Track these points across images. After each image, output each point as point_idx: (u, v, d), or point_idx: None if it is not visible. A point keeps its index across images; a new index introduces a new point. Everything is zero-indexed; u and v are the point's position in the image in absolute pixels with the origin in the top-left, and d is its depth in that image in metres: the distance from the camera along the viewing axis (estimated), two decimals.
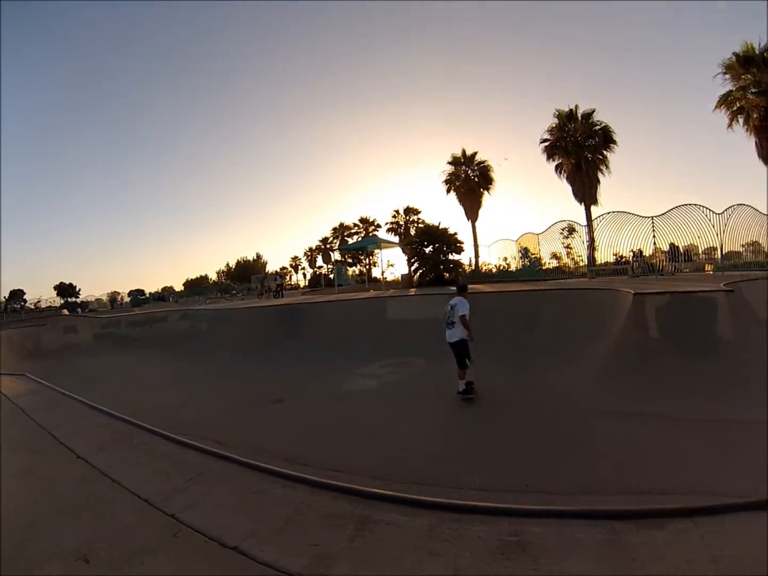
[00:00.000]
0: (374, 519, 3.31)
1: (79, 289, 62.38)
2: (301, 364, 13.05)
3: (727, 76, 23.44)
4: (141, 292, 57.84)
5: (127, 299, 54.07)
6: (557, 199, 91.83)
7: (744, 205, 18.72)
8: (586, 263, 21.50)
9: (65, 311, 39.98)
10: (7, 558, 3.31)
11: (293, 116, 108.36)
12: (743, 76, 22.95)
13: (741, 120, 23.49)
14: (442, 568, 2.67)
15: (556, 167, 29.23)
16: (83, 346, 22.64)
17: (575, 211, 32.28)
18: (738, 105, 23.35)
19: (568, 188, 28.82)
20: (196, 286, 66.51)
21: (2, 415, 7.68)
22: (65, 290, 60.39)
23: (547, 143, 29.29)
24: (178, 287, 70.99)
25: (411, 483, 5.04)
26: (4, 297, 55.09)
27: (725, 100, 23.68)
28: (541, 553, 2.73)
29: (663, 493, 4.27)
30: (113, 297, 54.08)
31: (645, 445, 5.96)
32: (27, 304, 50.61)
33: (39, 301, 51.03)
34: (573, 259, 23.32)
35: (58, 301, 53.37)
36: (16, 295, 55.98)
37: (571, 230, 22.77)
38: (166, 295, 55.72)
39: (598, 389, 8.39)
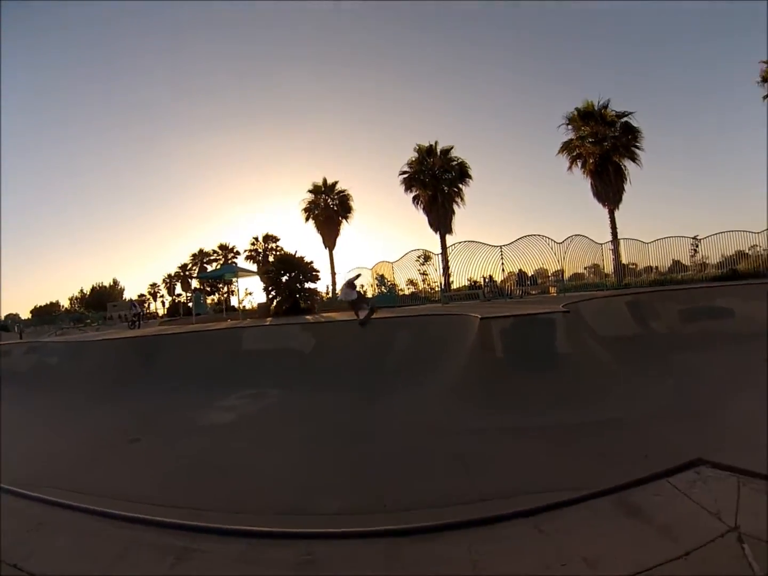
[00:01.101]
0: (193, 548, 3.41)
1: None
2: (159, 399, 12.30)
3: (569, 126, 26.86)
4: None
5: None
6: (415, 228, 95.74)
7: (580, 235, 21.22)
8: (441, 289, 22.28)
9: None
10: None
11: (154, 138, 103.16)
12: (582, 128, 26.28)
13: (579, 164, 26.83)
14: None
15: (414, 198, 30.39)
16: None
17: (431, 240, 33.70)
18: (577, 151, 26.66)
19: (425, 218, 29.99)
20: (46, 314, 61.13)
21: None
22: None
23: (406, 175, 30.37)
24: (25, 315, 64.84)
25: (254, 513, 5.43)
26: None
27: (567, 147, 27.04)
28: (327, 568, 3.01)
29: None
30: None
31: (484, 457, 6.50)
32: None
33: None
34: (428, 284, 24.30)
35: None
36: None
37: (426, 258, 23.71)
38: (10, 323, 49.50)
39: (447, 410, 8.63)
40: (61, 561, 3.51)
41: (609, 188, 25.45)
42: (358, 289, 12.73)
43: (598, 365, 9.40)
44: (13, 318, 56.48)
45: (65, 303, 72.14)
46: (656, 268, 22.95)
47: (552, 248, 19.61)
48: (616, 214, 25.71)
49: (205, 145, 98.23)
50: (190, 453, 8.07)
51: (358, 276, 11.90)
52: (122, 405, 12.22)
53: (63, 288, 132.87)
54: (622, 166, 25.61)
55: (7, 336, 33.55)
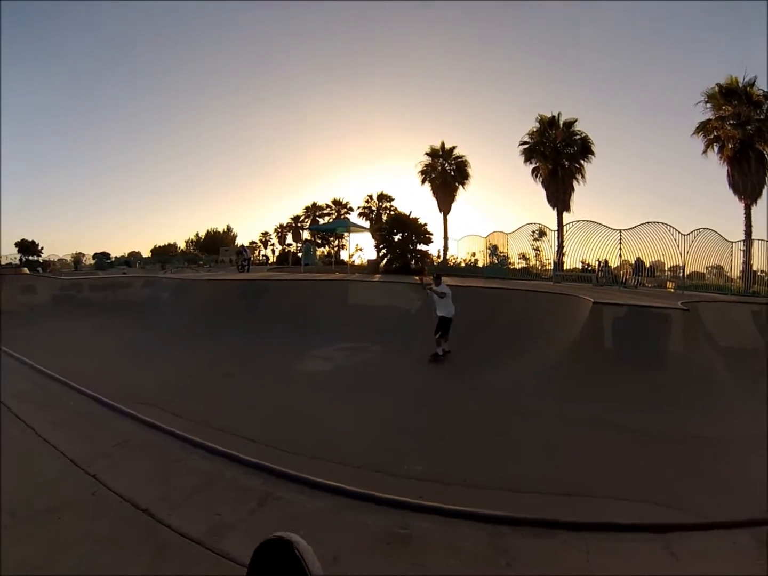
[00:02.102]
0: (276, 496, 3.40)
1: (42, 248, 60.11)
2: (258, 341, 12.94)
3: (708, 104, 24.04)
4: (106, 255, 55.24)
5: (91, 261, 52.15)
6: (531, 202, 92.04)
7: (709, 229, 19.17)
8: (553, 267, 21.70)
9: (25, 270, 38.63)
10: None
11: (276, 91, 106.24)
12: (723, 107, 23.50)
13: (716, 148, 24.17)
14: (327, 550, 2.71)
15: (533, 170, 29.35)
16: (41, 307, 21.96)
17: (547, 216, 32.54)
18: (715, 134, 23.96)
19: (543, 192, 28.99)
20: (164, 253, 64.73)
21: None
22: (27, 248, 58.15)
23: (526, 146, 29.37)
24: (146, 253, 68.77)
25: (341, 465, 5.32)
26: None
27: (703, 128, 24.32)
28: (424, 548, 2.80)
29: (585, 495, 4.66)
30: (77, 258, 51.79)
31: (575, 450, 6.14)
32: None
33: None
34: (541, 261, 23.64)
35: (19, 259, 51.23)
36: None
37: (542, 233, 22.96)
38: (132, 260, 54.07)
39: (543, 392, 8.51)
40: (139, 482, 3.67)
41: (748, 179, 22.68)
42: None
43: (711, 373, 8.89)
44: (135, 256, 60.79)
45: (181, 245, 75.56)
46: None
47: (675, 239, 18.36)
48: (753, 210, 22.99)
49: (326, 101, 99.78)
50: (281, 396, 8.40)
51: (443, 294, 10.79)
52: (224, 342, 13.01)
53: (180, 231, 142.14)
54: (767, 156, 22.75)
55: (129, 271, 36.46)
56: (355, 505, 3.30)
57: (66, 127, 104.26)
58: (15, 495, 3.50)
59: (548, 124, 28.74)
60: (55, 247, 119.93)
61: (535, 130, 29.19)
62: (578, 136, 28.28)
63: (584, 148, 28.24)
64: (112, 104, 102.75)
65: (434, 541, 2.84)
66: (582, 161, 28.40)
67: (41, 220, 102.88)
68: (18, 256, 52.52)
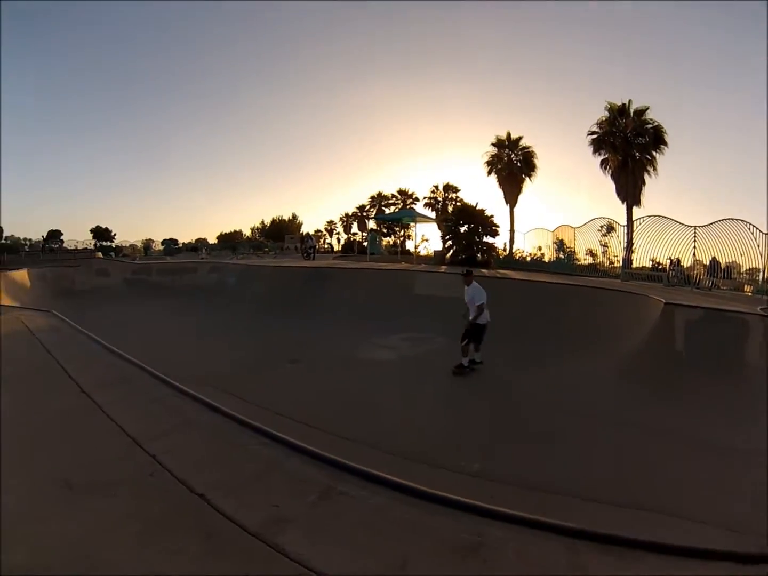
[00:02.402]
0: (338, 490, 3.26)
1: (114, 234, 63.30)
2: (323, 328, 13.32)
3: None
4: (174, 241, 58.10)
5: (160, 247, 54.41)
6: (600, 195, 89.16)
7: None
8: (621, 264, 20.86)
9: (99, 254, 40.70)
10: None
11: (341, 79, 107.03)
12: None
13: None
14: (391, 553, 2.58)
15: (602, 162, 28.31)
16: (113, 289, 23.17)
17: (616, 210, 31.43)
18: None
19: (612, 185, 27.89)
20: (230, 240, 66.76)
21: (19, 344, 7.84)
22: (101, 234, 61.25)
23: (594, 136, 28.32)
24: (212, 240, 71.36)
25: (400, 457, 5.54)
26: (42, 237, 55.89)
27: None
28: (497, 559, 2.55)
29: (658, 512, 4.41)
30: (147, 244, 54.38)
31: (644, 459, 5.88)
32: (64, 245, 51.23)
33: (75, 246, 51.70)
34: (608, 258, 22.78)
35: (93, 244, 53.87)
36: (54, 235, 56.68)
37: (610, 228, 22.21)
38: (199, 246, 55.84)
39: (611, 393, 8.31)
40: (197, 465, 3.63)
41: None
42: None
43: None
44: (202, 242, 62.80)
45: (247, 232, 77.73)
46: None
47: (756, 238, 17.21)
48: None
49: (393, 89, 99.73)
50: (344, 384, 8.58)
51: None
52: (289, 328, 13.39)
53: (246, 219, 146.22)
54: None
55: (196, 256, 37.88)
56: (421, 505, 3.11)
57: (133, 117, 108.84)
58: (74, 467, 3.61)
59: (618, 112, 27.56)
60: (127, 234, 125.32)
61: (604, 119, 28.05)
62: (650, 125, 26.87)
63: (656, 138, 26.78)
64: (178, 90, 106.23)
65: (508, 553, 2.60)
66: (654, 152, 27.01)
67: (114, 208, 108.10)
68: (93, 241, 55.05)
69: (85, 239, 54.03)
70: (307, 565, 2.45)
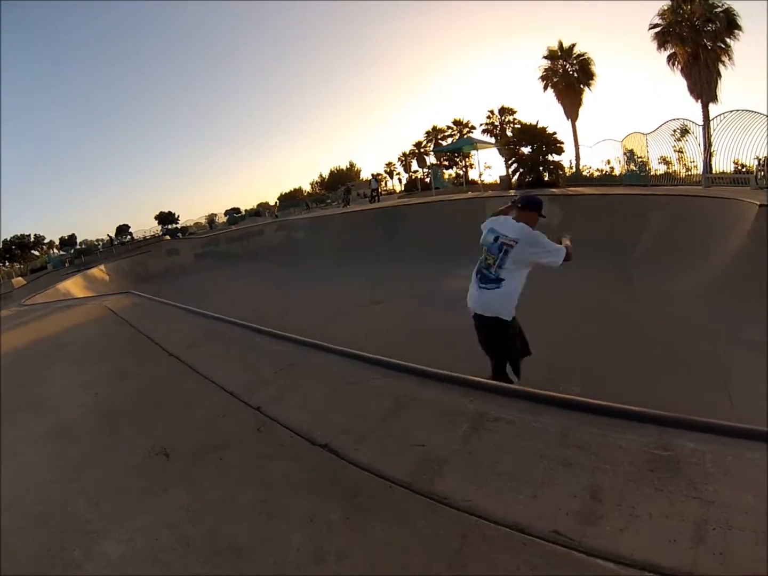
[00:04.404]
0: (493, 417, 2.76)
1: (178, 216, 64.53)
2: (399, 267, 13.23)
3: None
4: (237, 210, 58.45)
5: (224, 219, 55.15)
6: (669, 96, 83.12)
7: None
8: (702, 169, 19.04)
9: (167, 237, 41.92)
10: (90, 453, 3.30)
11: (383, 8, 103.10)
12: None
13: None
14: (576, 483, 2.14)
15: (669, 57, 26.03)
16: (186, 265, 23.93)
17: (690, 110, 29.23)
18: None
19: (683, 82, 25.71)
20: (291, 199, 67.14)
21: (106, 325, 7.94)
22: (165, 218, 62.64)
23: (658, 29, 25.95)
24: (273, 202, 72.20)
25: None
26: (108, 235, 57.24)
27: None
28: (697, 474, 2.09)
29: None
30: (211, 219, 54.75)
31: (752, 378, 5.24)
32: (133, 237, 53.02)
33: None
34: (685, 165, 20.77)
35: (160, 229, 55.40)
36: (122, 230, 58.38)
37: (684, 131, 19.96)
38: (261, 210, 55.87)
39: (710, 309, 7.66)
40: (312, 412, 3.28)
41: None
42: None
43: None
44: (264, 206, 62.23)
45: (307, 188, 78.26)
46: None
47: None
48: None
49: (431, 17, 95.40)
50: (434, 319, 8.42)
51: None
52: (366, 272, 13.31)
53: (304, 174, 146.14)
54: None
55: (260, 220, 38.15)
56: (590, 420, 2.63)
57: (187, 97, 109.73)
58: (171, 436, 3.33)
59: None
60: (191, 213, 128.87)
61: (666, 8, 25.36)
62: (720, 9, 23.92)
63: (729, 23, 23.95)
64: (230, 58, 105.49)
65: (706, 467, 2.14)
66: (727, 39, 24.27)
67: (176, 191, 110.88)
68: (159, 227, 56.59)
69: (152, 227, 55.84)
70: (482, 512, 2.04)
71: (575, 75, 31.38)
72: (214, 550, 2.10)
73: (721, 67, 24.74)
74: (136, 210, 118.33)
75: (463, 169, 49.30)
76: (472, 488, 2.20)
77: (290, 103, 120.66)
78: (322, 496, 2.36)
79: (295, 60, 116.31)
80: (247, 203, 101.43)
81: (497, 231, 4.54)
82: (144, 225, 64.67)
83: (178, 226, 58.72)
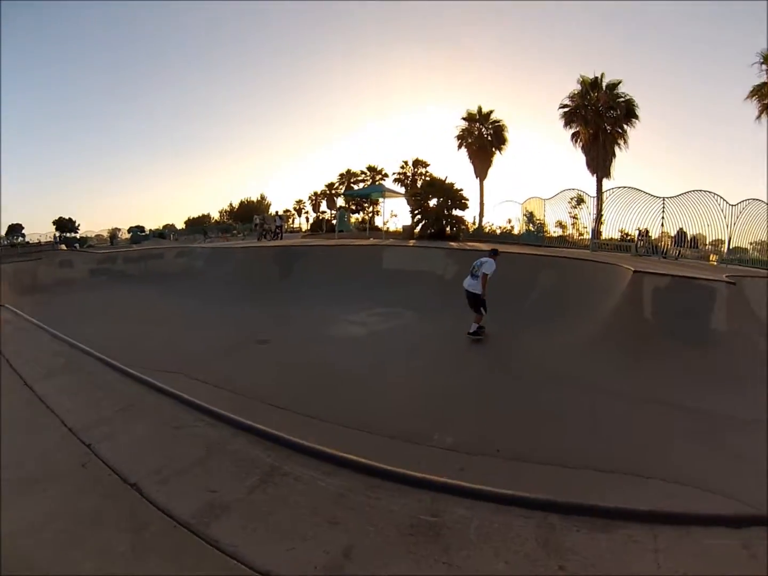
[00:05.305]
0: (283, 471, 2.99)
1: (78, 225, 61.85)
2: (292, 307, 13.06)
3: (764, 66, 22.39)
4: (141, 228, 56.28)
5: (127, 236, 53.03)
6: (569, 168, 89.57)
7: (759, 200, 17.91)
8: (591, 235, 20.95)
9: (63, 246, 39.65)
10: None
11: (303, 55, 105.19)
12: None
13: None
14: (336, 541, 2.34)
15: (573, 135, 28.45)
16: (78, 280, 22.46)
17: (586, 182, 31.64)
18: None
19: (582, 158, 28.09)
20: (198, 224, 65.90)
21: None
22: (64, 225, 59.73)
23: (566, 109, 28.33)
24: (180, 225, 70.39)
25: (367, 432, 5.25)
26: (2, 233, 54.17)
27: (758, 91, 22.87)
28: (456, 540, 2.29)
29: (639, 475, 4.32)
30: (113, 233, 52.66)
31: (618, 424, 5.86)
32: (25, 239, 49.90)
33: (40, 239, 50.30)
34: (578, 230, 22.86)
35: (55, 237, 52.37)
36: (15, 229, 55.36)
37: (579, 201, 22.14)
38: (166, 232, 54.60)
39: (582, 362, 8.19)
40: (134, 452, 3.37)
41: None
42: (489, 273, 9.58)
43: (754, 354, 8.02)
44: (169, 228, 61.48)
45: (215, 215, 77.16)
46: None
47: (722, 210, 17.30)
48: None
49: (358, 65, 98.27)
50: (315, 362, 8.31)
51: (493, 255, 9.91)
52: (258, 308, 13.04)
53: (214, 202, 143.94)
54: None
55: (163, 243, 37.17)
56: (376, 484, 2.81)
57: (98, 106, 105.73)
58: (6, 464, 3.33)
59: (590, 86, 27.39)
60: (93, 224, 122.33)
61: (576, 92, 27.94)
62: (622, 99, 26.89)
63: (628, 112, 26.92)
64: (141, 75, 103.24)
65: (469, 533, 2.33)
66: (625, 125, 27.19)
67: (79, 198, 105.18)
68: (56, 233, 53.58)
69: (48, 231, 52.82)
70: (241, 558, 2.24)
71: (489, 138, 33.11)
72: None
73: (617, 149, 27.42)
74: (33, 213, 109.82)
75: (370, 214, 50.19)
76: (242, 535, 2.40)
77: (212, 127, 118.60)
78: (118, 530, 2.52)
79: (218, 84, 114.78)
80: (153, 222, 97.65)
81: (480, 259, 9.89)
82: (40, 228, 60.68)
83: (77, 235, 55.96)
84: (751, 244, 19.27)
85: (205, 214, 77.95)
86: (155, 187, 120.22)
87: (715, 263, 17.72)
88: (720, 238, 18.45)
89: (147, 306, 15.02)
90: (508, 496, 2.67)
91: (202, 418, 3.90)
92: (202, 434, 3.61)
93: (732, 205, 17.42)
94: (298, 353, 8.98)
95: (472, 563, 2.11)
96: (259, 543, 2.33)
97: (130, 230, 54.91)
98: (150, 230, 56.87)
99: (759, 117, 23.19)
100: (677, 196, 18.28)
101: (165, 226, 64.08)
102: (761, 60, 22.40)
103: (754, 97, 23.15)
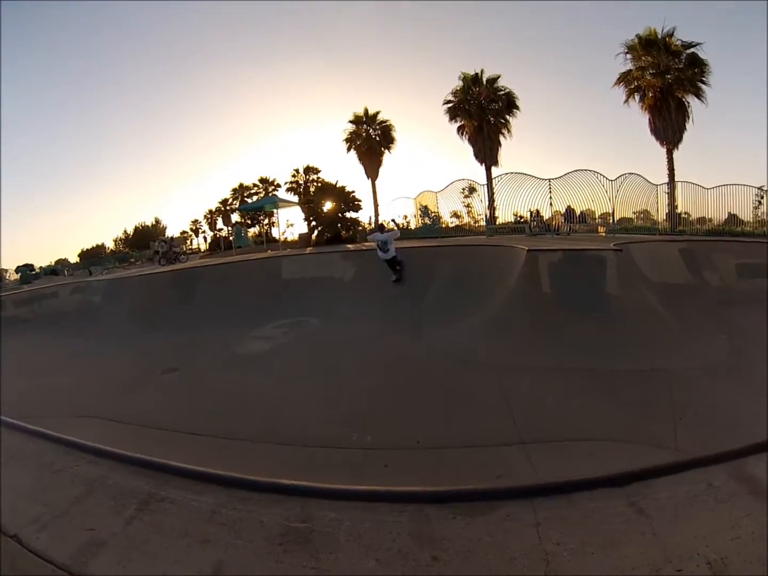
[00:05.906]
0: (160, 497, 2.81)
1: None
2: (196, 330, 12.54)
3: (629, 56, 24.29)
4: (30, 267, 52.24)
5: (15, 276, 48.98)
6: (459, 160, 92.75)
7: (635, 174, 19.51)
8: (485, 221, 21.67)
9: None
10: None
11: (183, 80, 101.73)
12: (643, 58, 23.84)
13: (637, 97, 24.56)
14: (207, 560, 2.21)
15: (459, 128, 29.30)
16: None
17: (477, 172, 32.80)
18: (636, 84, 24.34)
19: (470, 149, 28.98)
20: (93, 256, 62.30)
21: None
22: None
23: (450, 105, 29.16)
24: (73, 259, 65.88)
25: (284, 445, 5.26)
26: None
27: (624, 78, 24.62)
28: (325, 544, 2.21)
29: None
30: None
31: (527, 397, 6.19)
32: None
33: None
34: (473, 217, 23.67)
35: None
36: None
37: (472, 190, 22.98)
38: (59, 268, 50.65)
39: (488, 345, 8.49)
40: (13, 503, 3.09)
41: (668, 126, 23.28)
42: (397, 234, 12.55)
43: (648, 311, 8.94)
44: (62, 263, 57.66)
45: (110, 244, 72.94)
46: (710, 220, 19.90)
47: (603, 185, 18.68)
48: (675, 155, 23.62)
49: (242, 78, 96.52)
50: (224, 383, 8.24)
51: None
52: (162, 337, 12.52)
53: (107, 230, 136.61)
54: (685, 103, 23.25)
55: (57, 280, 34.48)
56: (248, 497, 2.71)
57: None
58: None
59: (472, 81, 28.45)
60: None
61: (458, 88, 28.85)
62: (502, 92, 28.20)
63: (509, 104, 28.26)
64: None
65: (339, 535, 2.24)
66: (507, 116, 28.44)
67: None
68: None
69: None
70: None
71: (377, 139, 33.46)
72: None
73: (502, 138, 28.62)
74: None
75: (266, 227, 49.44)
76: (116, 569, 2.26)
77: (92, 154, 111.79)
78: None
79: (92, 105, 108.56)
80: (44, 259, 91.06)
81: (379, 238, 12.05)
82: None
83: None
84: (634, 213, 21.39)
85: (100, 244, 73.74)
86: (41, 222, 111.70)
87: (604, 235, 18.83)
88: (607, 211, 19.84)
89: (44, 352, 13.89)
90: (380, 493, 2.68)
91: (84, 456, 3.61)
92: (84, 473, 3.34)
93: (611, 180, 18.78)
94: (208, 376, 8.79)
95: (341, 565, 2.06)
96: (132, 574, 2.19)
97: (18, 270, 50.79)
98: (40, 267, 52.94)
99: (627, 101, 25.01)
100: (561, 176, 19.35)
101: (57, 262, 59.99)
102: (626, 50, 24.31)
103: (620, 84, 24.90)
